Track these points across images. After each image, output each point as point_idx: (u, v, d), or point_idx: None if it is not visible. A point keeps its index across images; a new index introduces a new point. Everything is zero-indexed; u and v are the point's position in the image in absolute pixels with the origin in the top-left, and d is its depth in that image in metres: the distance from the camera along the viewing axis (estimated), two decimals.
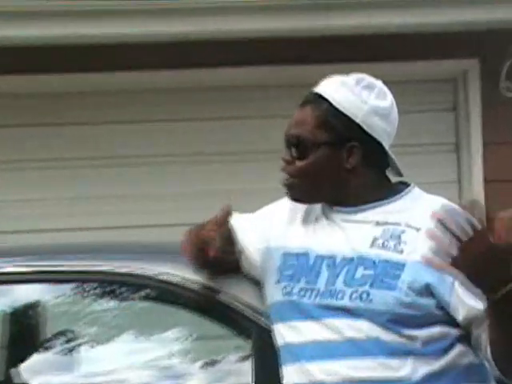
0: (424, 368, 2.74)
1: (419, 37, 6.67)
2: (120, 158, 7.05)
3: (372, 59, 6.39)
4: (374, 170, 2.97)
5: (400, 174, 3.02)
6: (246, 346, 3.34)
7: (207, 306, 3.30)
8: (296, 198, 3.01)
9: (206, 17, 6.39)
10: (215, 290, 3.26)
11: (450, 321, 2.78)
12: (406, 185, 3.01)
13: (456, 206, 2.82)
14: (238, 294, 3.26)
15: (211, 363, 3.57)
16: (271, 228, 3.13)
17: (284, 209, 3.11)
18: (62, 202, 6.92)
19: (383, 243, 2.82)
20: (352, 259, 2.83)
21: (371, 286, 2.77)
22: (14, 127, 7.02)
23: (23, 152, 7.00)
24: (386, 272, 2.77)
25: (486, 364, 2.81)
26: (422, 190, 3.00)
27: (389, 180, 3.03)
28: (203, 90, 7.01)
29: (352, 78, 2.95)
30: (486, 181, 6.96)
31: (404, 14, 6.44)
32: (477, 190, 6.94)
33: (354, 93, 2.91)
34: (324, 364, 2.80)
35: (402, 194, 2.96)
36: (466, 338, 2.80)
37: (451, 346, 2.79)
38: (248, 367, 3.29)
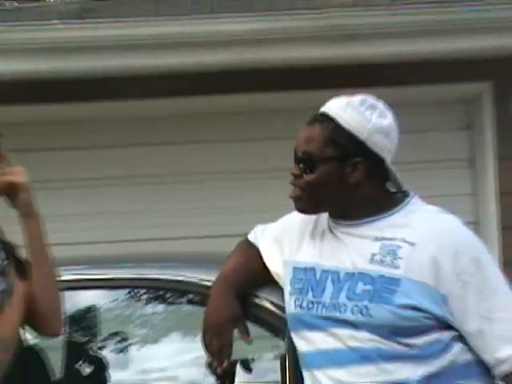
0: (422, 369, 2.75)
1: (437, 63, 6.66)
2: (155, 176, 7.10)
3: (396, 84, 6.39)
4: (376, 184, 2.96)
5: (400, 189, 3.01)
6: (282, 345, 3.33)
7: (246, 309, 3.24)
8: (302, 210, 3.01)
9: (233, 48, 6.46)
10: (253, 295, 3.32)
11: (445, 325, 2.78)
12: (404, 193, 3.01)
13: (455, 221, 2.96)
14: (274, 299, 3.30)
15: (250, 361, 3.71)
16: (285, 242, 3.15)
17: (296, 221, 3.12)
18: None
19: (381, 259, 2.81)
20: (353, 274, 2.83)
21: (370, 300, 2.77)
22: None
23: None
24: (384, 287, 2.77)
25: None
26: (419, 199, 3.01)
27: (388, 192, 3.03)
28: (231, 114, 7.02)
29: (356, 99, 2.94)
30: (501, 194, 6.94)
31: (424, 42, 6.46)
32: (490, 201, 6.97)
33: (359, 112, 2.89)
34: (329, 371, 2.82)
35: (400, 206, 2.95)
36: (462, 337, 2.80)
37: (449, 346, 2.79)
38: (284, 365, 3.29)
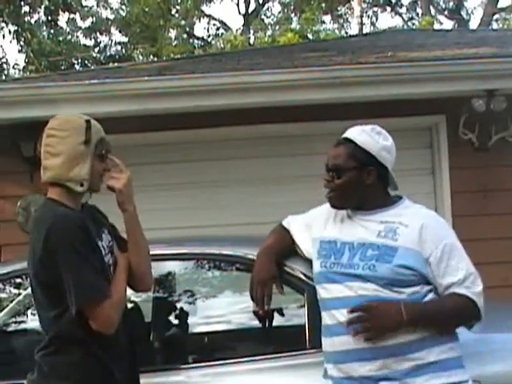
0: None
1: (408, 102, 6.64)
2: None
3: (378, 117, 6.35)
4: (382, 185, 3.04)
5: (396, 188, 3.10)
6: (302, 299, 3.41)
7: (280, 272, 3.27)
8: (335, 205, 3.07)
9: (266, 92, 6.43)
10: (284, 264, 3.33)
11: (425, 281, 2.86)
12: (400, 197, 3.07)
13: (433, 213, 3.08)
14: (295, 265, 3.35)
15: (280, 310, 3.67)
16: (313, 225, 3.19)
17: (324, 210, 3.16)
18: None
19: (385, 234, 2.89)
20: (364, 244, 2.91)
21: (376, 260, 2.84)
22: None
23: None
24: (386, 252, 2.85)
25: None
26: (410, 201, 3.08)
27: (389, 194, 3.08)
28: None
29: (368, 127, 3.04)
30: (452, 192, 6.91)
31: (399, 88, 6.45)
32: (445, 198, 6.93)
33: (371, 136, 2.99)
34: (343, 310, 2.84)
35: (397, 204, 3.03)
36: (435, 289, 2.89)
37: (425, 295, 2.86)
38: (303, 312, 3.39)
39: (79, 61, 21.97)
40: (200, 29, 42.72)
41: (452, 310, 2.85)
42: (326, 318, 2.96)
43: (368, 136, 3.01)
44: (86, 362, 2.80)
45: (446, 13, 26.31)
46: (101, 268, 2.81)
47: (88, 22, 24.58)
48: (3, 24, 17.77)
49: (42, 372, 2.85)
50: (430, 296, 2.88)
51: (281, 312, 3.47)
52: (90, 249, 2.78)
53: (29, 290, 3.87)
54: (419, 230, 2.87)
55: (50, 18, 20.64)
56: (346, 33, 24.62)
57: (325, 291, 2.97)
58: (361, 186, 2.99)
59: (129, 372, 2.95)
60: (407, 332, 2.78)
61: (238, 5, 26.69)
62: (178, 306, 3.99)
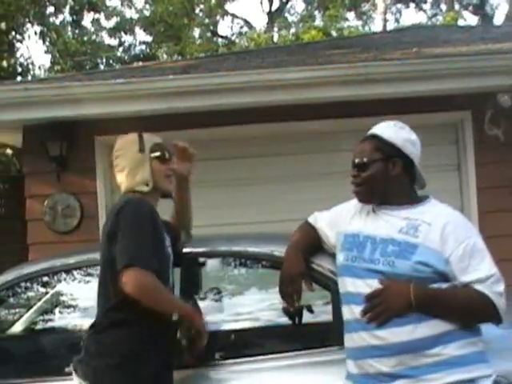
0: None
1: (436, 98, 6.65)
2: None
3: (407, 112, 6.35)
4: (408, 180, 3.03)
5: (423, 186, 3.08)
6: (328, 295, 3.37)
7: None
8: (362, 200, 3.07)
9: (292, 90, 6.44)
10: (311, 261, 3.31)
11: (444, 279, 2.82)
12: (426, 197, 3.04)
13: (458, 213, 3.00)
14: (322, 262, 3.32)
15: (309, 307, 3.66)
16: (339, 220, 3.18)
17: (351, 205, 3.17)
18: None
19: (406, 231, 2.87)
20: (386, 239, 2.89)
21: (396, 257, 2.82)
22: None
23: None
24: (406, 249, 2.82)
25: None
26: (436, 200, 3.04)
27: (415, 191, 3.07)
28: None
29: (391, 122, 3.07)
30: (478, 188, 6.88)
31: (426, 84, 6.45)
32: (471, 194, 6.91)
33: (395, 130, 3.01)
34: (360, 307, 2.84)
35: (423, 202, 3.00)
36: (453, 285, 2.82)
37: None
38: (329, 308, 3.36)
39: (104, 61, 22.06)
40: (224, 27, 42.80)
41: (465, 301, 2.80)
42: (346, 313, 2.97)
43: (391, 129, 3.03)
44: (132, 340, 3.05)
45: (470, 8, 26.15)
46: (161, 250, 3.17)
47: (112, 22, 24.70)
48: (29, 25, 17.87)
49: (90, 352, 3.10)
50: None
51: (310, 309, 3.45)
52: (155, 231, 3.12)
53: (56, 289, 3.92)
54: (441, 230, 2.83)
55: (74, 18, 20.78)
56: (370, 30, 24.53)
57: (345, 284, 2.98)
58: (387, 178, 2.98)
59: (166, 356, 3.15)
60: (423, 328, 2.75)
61: (261, 3, 26.78)
62: (205, 303, 3.99)
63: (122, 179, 3.33)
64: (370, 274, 2.86)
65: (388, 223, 2.95)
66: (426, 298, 2.78)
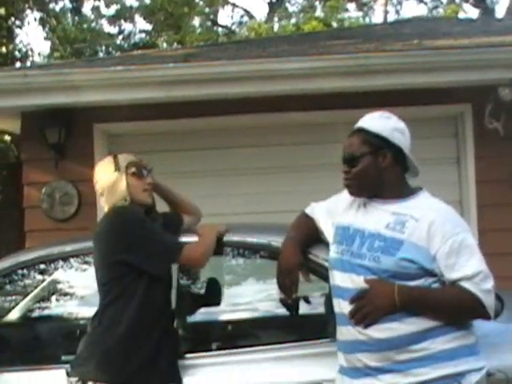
0: None
1: (435, 90, 6.63)
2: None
3: (407, 104, 6.40)
4: (399, 171, 2.99)
5: (417, 174, 3.04)
6: (326, 286, 3.30)
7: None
8: (353, 194, 3.04)
9: (290, 80, 6.39)
10: (308, 252, 3.32)
11: (430, 275, 2.80)
12: (420, 189, 3.01)
13: (448, 208, 2.95)
14: (320, 253, 3.31)
15: (305, 297, 3.64)
16: (334, 211, 3.18)
17: (345, 197, 3.13)
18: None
19: (393, 227, 2.85)
20: (374, 234, 2.88)
21: (382, 252, 2.81)
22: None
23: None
24: (391, 245, 2.81)
25: None
26: (429, 193, 3.01)
27: (407, 184, 3.03)
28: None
29: (377, 113, 3.04)
30: (477, 182, 6.85)
31: (426, 76, 6.41)
32: (470, 187, 6.87)
33: (381, 120, 2.99)
34: (347, 302, 2.85)
35: (414, 195, 2.97)
36: (439, 280, 2.81)
37: (430, 285, 2.81)
38: (327, 299, 3.31)
39: (103, 48, 21.98)
40: (224, 17, 42.66)
41: (451, 300, 2.78)
42: (335, 306, 2.98)
43: (378, 120, 3.00)
44: (139, 314, 3.20)
45: (471, 1, 26.07)
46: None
47: (112, 10, 24.59)
48: (29, 11, 17.79)
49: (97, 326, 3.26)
50: (434, 286, 2.83)
51: (307, 300, 3.44)
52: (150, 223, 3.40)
53: (53, 276, 3.92)
54: (428, 226, 2.80)
55: (74, 5, 20.69)
56: (371, 21, 24.46)
57: (334, 278, 2.98)
58: (377, 171, 2.95)
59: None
60: (408, 324, 2.75)
61: None
62: (203, 293, 3.98)
63: (104, 202, 3.50)
64: (357, 269, 2.86)
65: (377, 218, 2.94)
66: (411, 299, 2.77)
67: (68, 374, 3.23)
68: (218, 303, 4.01)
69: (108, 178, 3.45)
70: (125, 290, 3.22)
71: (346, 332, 2.88)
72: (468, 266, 2.76)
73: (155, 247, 3.26)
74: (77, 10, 21.21)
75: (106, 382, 3.11)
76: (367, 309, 2.78)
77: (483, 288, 2.75)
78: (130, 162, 3.51)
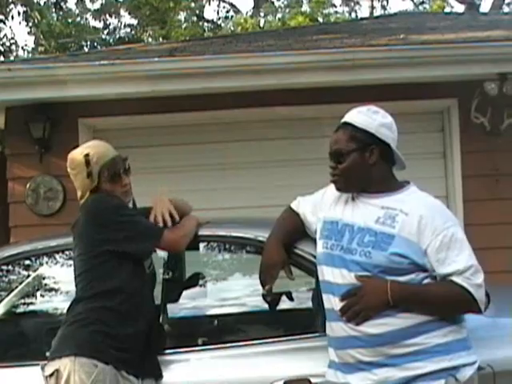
0: None
1: (421, 85, 6.65)
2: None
3: (394, 99, 6.37)
4: (387, 166, 2.98)
5: (403, 167, 3.03)
6: (313, 281, 3.30)
7: (290, 256, 3.27)
8: (340, 189, 3.03)
9: (277, 74, 6.40)
10: (294, 247, 3.31)
11: (421, 269, 2.81)
12: (407, 182, 3.01)
13: (437, 202, 2.96)
14: (307, 248, 3.29)
15: (290, 293, 3.63)
16: (321, 205, 3.16)
17: (332, 191, 3.10)
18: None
19: (383, 221, 2.84)
20: (363, 229, 2.87)
21: (372, 247, 2.81)
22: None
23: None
24: (382, 240, 2.80)
25: None
26: (417, 188, 3.00)
27: (395, 178, 3.02)
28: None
29: (364, 108, 3.01)
30: (463, 176, 6.86)
31: (411, 71, 6.42)
32: (456, 182, 6.88)
33: (367, 115, 2.95)
34: (337, 297, 2.85)
35: (403, 189, 2.96)
36: (431, 275, 2.82)
37: (422, 281, 2.82)
38: (315, 294, 3.25)
39: (88, 43, 21.89)
40: (210, 11, 42.56)
41: (443, 296, 2.79)
42: (325, 302, 2.97)
43: (365, 116, 2.97)
44: (121, 308, 3.16)
45: None
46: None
47: (97, 4, 24.47)
48: (12, 5, 17.70)
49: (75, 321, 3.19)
50: (426, 282, 2.83)
51: (290, 296, 3.43)
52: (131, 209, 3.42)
53: (38, 272, 3.89)
54: (418, 220, 2.80)
55: None
56: (357, 16, 24.44)
57: (324, 273, 2.97)
58: (365, 167, 2.94)
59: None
60: (400, 320, 2.76)
61: None
62: (189, 288, 3.96)
63: (79, 195, 3.41)
64: (347, 265, 2.85)
65: (366, 212, 2.93)
66: (404, 296, 2.77)
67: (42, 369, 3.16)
68: (196, 284, 4.01)
69: (81, 183, 3.36)
70: (105, 280, 3.17)
71: (337, 328, 2.88)
72: (459, 261, 2.77)
73: (136, 228, 3.24)
74: (61, 4, 21.09)
75: (84, 356, 3.06)
76: (359, 306, 2.78)
77: (474, 282, 2.76)
78: (102, 166, 3.34)
